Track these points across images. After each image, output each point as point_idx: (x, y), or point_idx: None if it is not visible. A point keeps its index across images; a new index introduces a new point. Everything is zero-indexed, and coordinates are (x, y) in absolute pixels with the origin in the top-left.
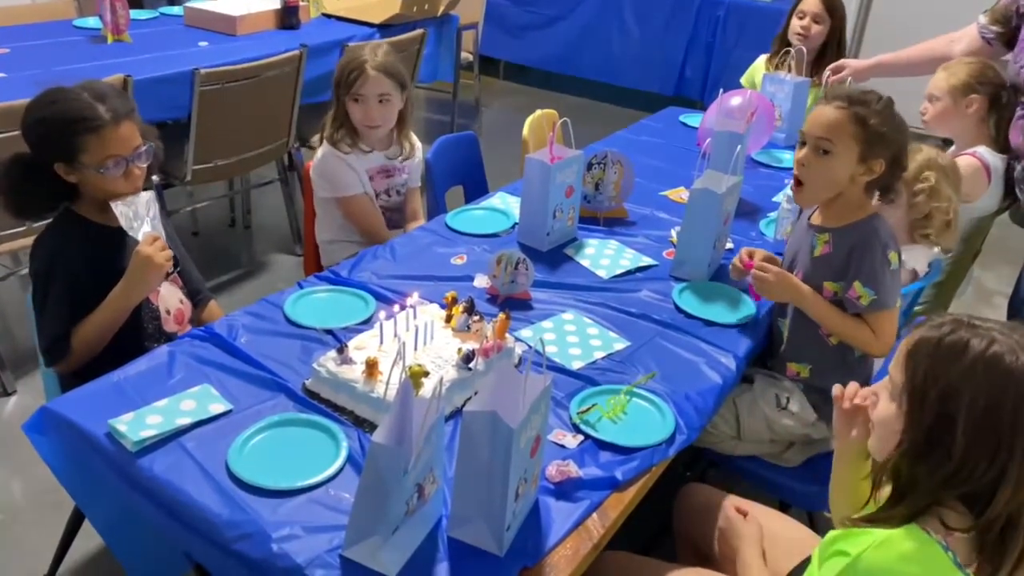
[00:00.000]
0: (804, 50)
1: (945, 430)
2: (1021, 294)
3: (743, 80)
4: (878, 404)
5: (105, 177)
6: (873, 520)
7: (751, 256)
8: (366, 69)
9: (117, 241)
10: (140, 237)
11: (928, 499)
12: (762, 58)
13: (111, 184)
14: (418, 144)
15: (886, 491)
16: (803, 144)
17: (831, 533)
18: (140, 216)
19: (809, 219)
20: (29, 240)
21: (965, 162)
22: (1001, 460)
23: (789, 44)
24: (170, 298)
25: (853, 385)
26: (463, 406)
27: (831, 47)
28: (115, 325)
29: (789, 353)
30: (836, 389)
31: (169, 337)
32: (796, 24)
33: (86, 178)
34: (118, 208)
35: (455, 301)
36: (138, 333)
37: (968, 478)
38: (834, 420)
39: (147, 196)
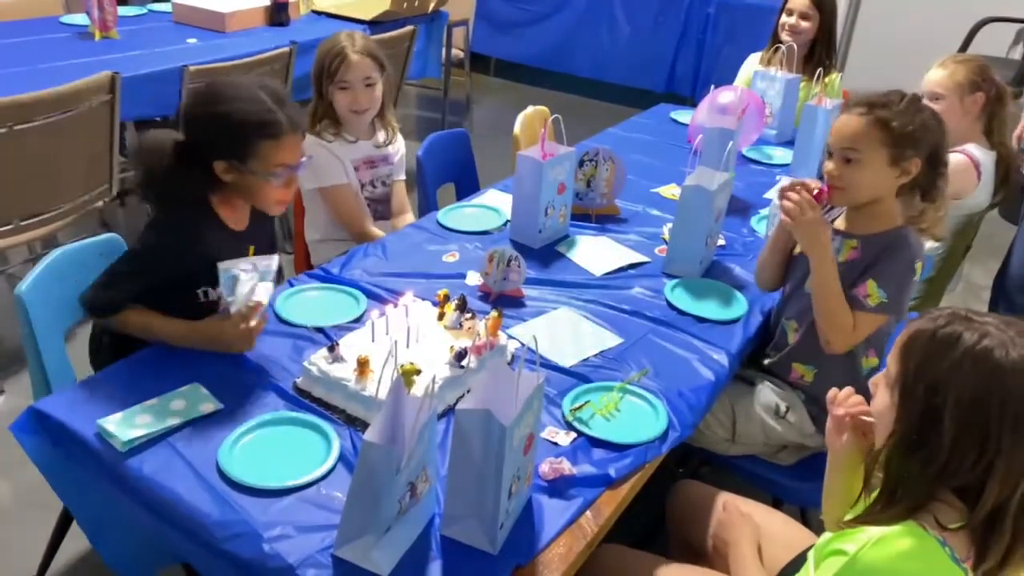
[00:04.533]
0: (795, 46)
1: (933, 423)
2: (1004, 284)
3: (740, 83)
4: (876, 396)
5: (269, 184)
6: (867, 520)
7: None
8: (348, 55)
9: (233, 245)
10: (235, 303)
11: (921, 494)
12: (752, 57)
13: (272, 191)
14: (397, 127)
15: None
16: (830, 156)
17: (827, 534)
18: (249, 284)
19: (832, 223)
20: (14, 240)
21: (955, 159)
22: (989, 454)
23: (780, 41)
24: None
25: (848, 390)
26: (456, 404)
27: (821, 43)
28: (160, 341)
29: (796, 354)
30: (831, 393)
31: None
32: (785, 21)
33: (245, 181)
34: (229, 271)
35: (447, 299)
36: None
37: (957, 471)
38: (827, 426)
39: (273, 262)
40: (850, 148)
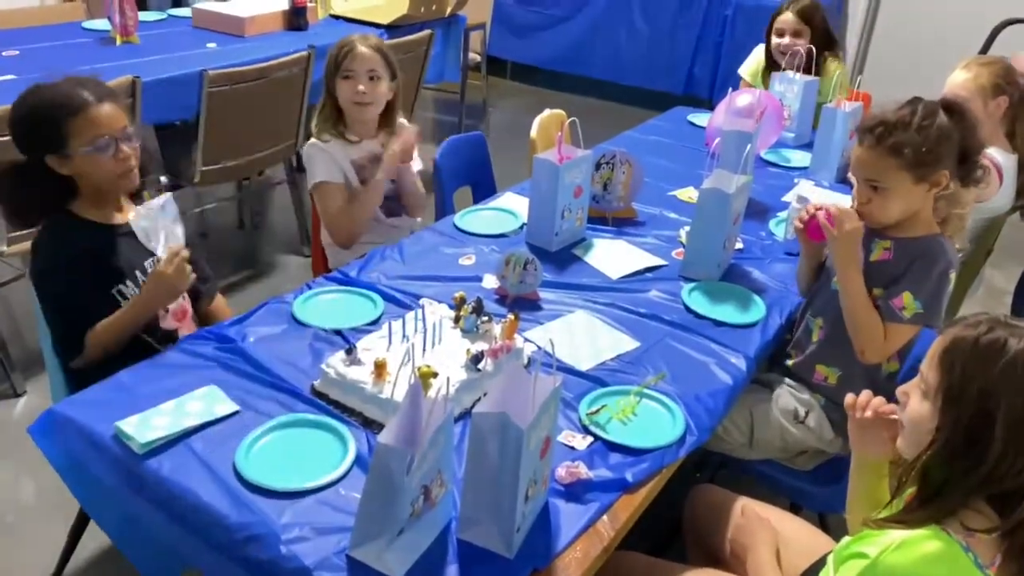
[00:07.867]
0: (799, 54)
1: (983, 428)
2: None
3: (749, 74)
4: (908, 404)
5: (97, 159)
6: (893, 520)
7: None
8: (355, 46)
9: (116, 238)
10: (159, 251)
11: (958, 500)
12: (760, 48)
13: (103, 166)
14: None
15: (907, 493)
16: (858, 180)
17: (847, 538)
18: (157, 227)
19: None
20: None
21: None
22: None
23: (776, 63)
24: None
25: (867, 394)
26: (472, 407)
27: (819, 46)
28: (132, 330)
29: (821, 355)
30: (849, 398)
31: (167, 333)
32: (777, 43)
33: (79, 166)
34: (137, 223)
35: (464, 302)
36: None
37: (1003, 478)
38: (849, 431)
39: (163, 200)
40: (870, 179)
